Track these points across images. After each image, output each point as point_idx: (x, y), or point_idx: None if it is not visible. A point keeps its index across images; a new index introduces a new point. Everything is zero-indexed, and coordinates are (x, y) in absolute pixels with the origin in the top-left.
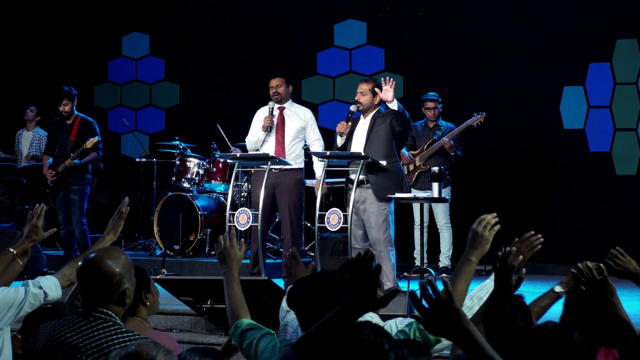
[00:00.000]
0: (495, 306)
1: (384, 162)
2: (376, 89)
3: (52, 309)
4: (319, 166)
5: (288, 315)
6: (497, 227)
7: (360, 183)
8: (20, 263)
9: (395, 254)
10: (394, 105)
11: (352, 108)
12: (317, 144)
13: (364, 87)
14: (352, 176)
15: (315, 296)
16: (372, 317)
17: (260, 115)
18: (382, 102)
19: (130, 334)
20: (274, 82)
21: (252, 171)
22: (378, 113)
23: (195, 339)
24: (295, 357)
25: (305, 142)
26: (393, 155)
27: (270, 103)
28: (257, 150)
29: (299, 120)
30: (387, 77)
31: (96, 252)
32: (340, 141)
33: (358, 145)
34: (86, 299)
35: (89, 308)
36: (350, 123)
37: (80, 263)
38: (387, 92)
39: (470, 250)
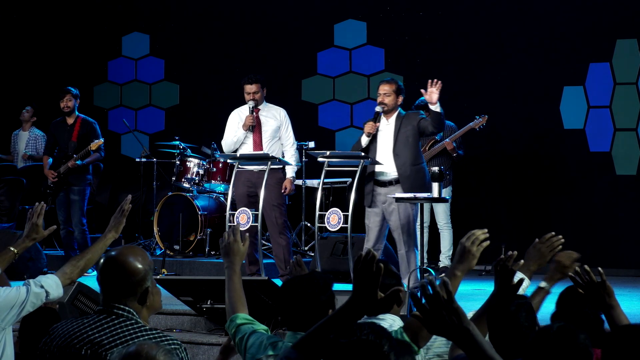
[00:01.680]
0: (498, 306)
1: (382, 162)
2: (399, 90)
3: (51, 309)
4: (289, 168)
5: None
6: (486, 243)
7: (389, 183)
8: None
9: (419, 255)
10: (437, 108)
11: (378, 109)
12: (290, 147)
13: (386, 88)
14: (381, 177)
15: (299, 299)
16: (394, 319)
17: (236, 117)
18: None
19: (154, 331)
20: (252, 89)
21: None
22: (400, 114)
23: (195, 339)
24: (296, 356)
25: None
26: (420, 156)
27: (250, 102)
28: (235, 152)
29: (275, 120)
30: (435, 80)
31: (119, 250)
32: (365, 141)
33: (385, 147)
34: (107, 295)
35: (109, 305)
36: (378, 123)
37: (102, 260)
38: (432, 94)
39: (456, 265)
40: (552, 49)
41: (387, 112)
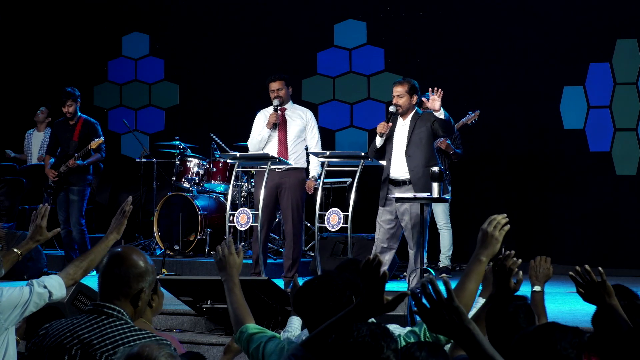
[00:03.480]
0: (497, 307)
1: (396, 163)
2: (413, 90)
3: (56, 308)
4: (314, 167)
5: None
6: (507, 227)
7: (403, 183)
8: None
9: (425, 256)
10: (440, 114)
11: (391, 109)
12: (316, 147)
13: (399, 90)
14: (395, 178)
15: (320, 304)
16: None
17: (262, 117)
18: (417, 103)
19: (143, 332)
20: (275, 86)
21: (253, 171)
22: (417, 114)
23: (195, 339)
24: (303, 354)
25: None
26: (435, 157)
27: (275, 101)
28: (260, 151)
29: (301, 121)
30: (436, 88)
31: (124, 247)
32: (379, 142)
33: (399, 147)
34: (103, 291)
35: (99, 305)
36: (391, 124)
37: (107, 256)
38: (435, 102)
39: (480, 250)
40: (552, 49)
41: (403, 113)
